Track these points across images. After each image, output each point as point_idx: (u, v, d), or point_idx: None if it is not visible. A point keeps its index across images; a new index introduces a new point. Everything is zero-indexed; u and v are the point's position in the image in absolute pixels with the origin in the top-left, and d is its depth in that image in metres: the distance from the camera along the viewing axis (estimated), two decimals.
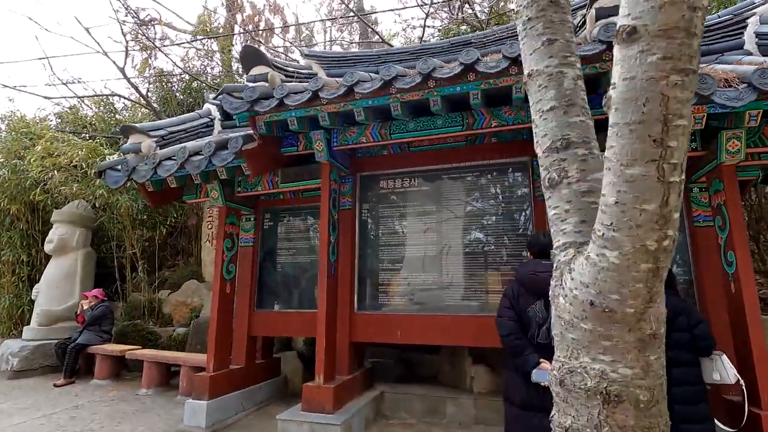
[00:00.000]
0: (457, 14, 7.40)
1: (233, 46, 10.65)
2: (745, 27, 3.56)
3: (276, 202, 4.90)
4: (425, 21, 7.44)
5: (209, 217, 7.37)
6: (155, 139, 4.25)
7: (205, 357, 4.92)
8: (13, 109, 8.38)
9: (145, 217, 7.49)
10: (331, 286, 3.99)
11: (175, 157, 3.92)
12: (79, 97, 8.84)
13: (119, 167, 4.12)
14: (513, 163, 4.06)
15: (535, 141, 1.38)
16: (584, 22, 3.51)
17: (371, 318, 4.17)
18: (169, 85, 8.81)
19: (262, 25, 9.99)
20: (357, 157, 4.54)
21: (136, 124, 4.26)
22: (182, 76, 8.81)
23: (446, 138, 4.11)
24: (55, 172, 6.48)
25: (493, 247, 4.01)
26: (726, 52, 3.53)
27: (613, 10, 2.81)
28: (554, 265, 1.28)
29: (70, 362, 5.59)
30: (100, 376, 5.63)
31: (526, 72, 1.40)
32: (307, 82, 4.23)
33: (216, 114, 5.17)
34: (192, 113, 5.03)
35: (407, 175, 4.38)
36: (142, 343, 6.12)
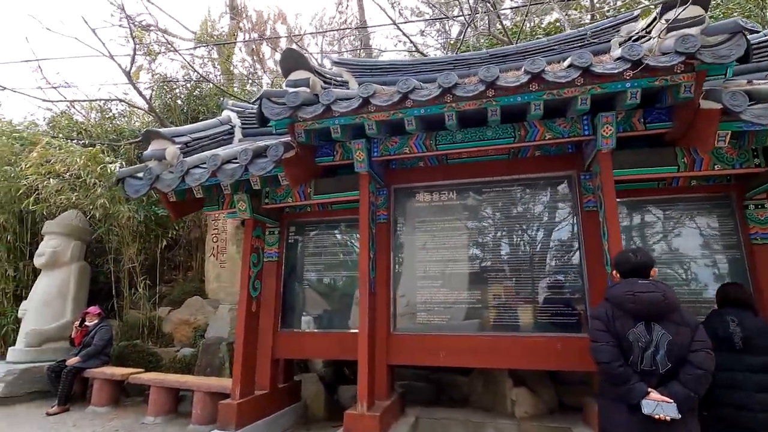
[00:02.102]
0: (466, 28, 7.37)
1: (234, 54, 10.41)
2: None
3: (302, 215, 4.64)
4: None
5: (214, 229, 7.00)
6: (179, 146, 3.96)
7: (221, 381, 4.60)
8: (1, 114, 7.84)
9: (143, 228, 7.07)
10: (372, 305, 3.75)
11: (205, 165, 3.64)
12: (81, 101, 8.38)
13: (141, 175, 3.80)
14: (558, 177, 3.94)
15: None
16: (639, 36, 3.46)
17: (410, 339, 3.92)
18: (174, 91, 8.46)
19: (267, 33, 9.79)
20: (391, 169, 4.35)
21: (160, 129, 3.97)
22: (185, 83, 8.49)
23: (488, 151, 3.98)
24: (51, 180, 6.04)
25: (538, 263, 3.86)
26: None
27: (688, 23, 2.74)
28: None
29: (65, 388, 5.09)
30: (98, 402, 5.15)
31: None
32: (342, 88, 4.07)
33: (236, 121, 4.93)
34: (212, 120, 4.75)
35: (446, 188, 4.21)
36: (142, 365, 5.67)
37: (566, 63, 2.99)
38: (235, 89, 9.89)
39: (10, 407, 5.24)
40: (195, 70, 8.50)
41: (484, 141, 3.65)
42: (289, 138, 3.68)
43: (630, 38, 3.64)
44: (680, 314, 2.18)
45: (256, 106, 3.79)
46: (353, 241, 4.47)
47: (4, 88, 7.96)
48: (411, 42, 8.09)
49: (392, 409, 3.76)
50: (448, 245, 4.10)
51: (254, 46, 9.57)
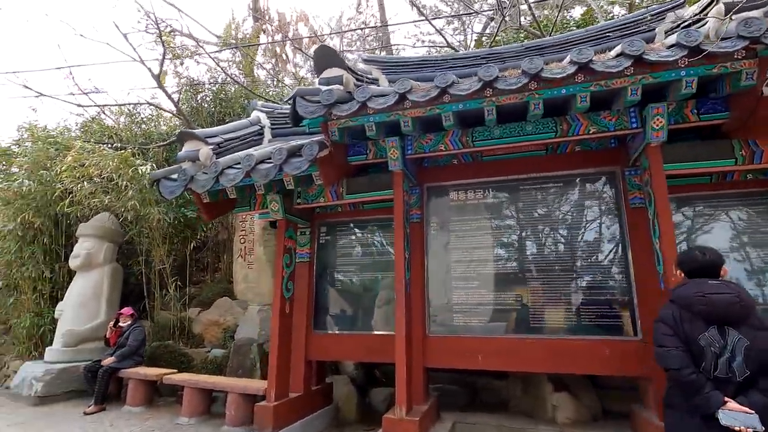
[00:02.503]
0: (501, 21, 7.21)
1: (256, 55, 10.49)
2: None
3: (333, 215, 4.59)
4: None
5: (242, 231, 7.02)
6: (212, 147, 3.96)
7: (254, 383, 4.58)
8: (35, 120, 8.05)
9: (172, 230, 7.15)
10: (408, 306, 3.66)
11: (239, 165, 3.62)
12: (111, 106, 8.58)
13: (175, 176, 3.81)
14: (600, 173, 3.77)
15: None
16: (691, 21, 3.28)
17: (445, 341, 3.82)
18: (200, 95, 8.57)
19: (290, 35, 9.85)
20: (424, 167, 4.25)
21: (194, 131, 3.97)
22: (210, 87, 8.59)
23: (525, 147, 3.82)
24: (84, 183, 6.15)
25: (579, 263, 3.69)
26: None
27: (750, 5, 2.56)
28: None
29: (101, 387, 5.17)
30: (133, 402, 5.21)
31: None
32: (374, 86, 3.99)
33: (265, 122, 4.91)
34: (243, 120, 4.75)
35: (480, 186, 4.09)
36: (174, 366, 5.70)
37: (614, 52, 2.85)
38: (259, 91, 9.95)
39: (49, 406, 5.35)
40: (225, 72, 8.60)
41: (524, 136, 3.51)
42: (322, 137, 3.63)
43: (678, 25, 3.46)
44: (757, 317, 2.01)
45: (285, 107, 3.75)
46: (385, 240, 4.39)
47: (40, 95, 8.19)
48: (443, 38, 7.96)
49: (430, 414, 3.66)
50: (484, 244, 3.98)
51: (277, 48, 9.62)
